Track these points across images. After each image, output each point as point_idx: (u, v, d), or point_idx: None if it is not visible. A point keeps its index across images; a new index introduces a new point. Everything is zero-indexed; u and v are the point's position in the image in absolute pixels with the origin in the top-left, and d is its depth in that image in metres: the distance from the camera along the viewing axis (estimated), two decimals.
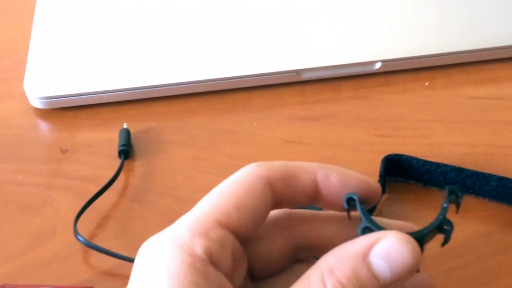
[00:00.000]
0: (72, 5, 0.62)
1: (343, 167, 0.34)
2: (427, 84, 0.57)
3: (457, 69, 0.58)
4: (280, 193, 0.33)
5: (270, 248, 0.34)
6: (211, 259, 0.29)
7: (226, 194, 0.31)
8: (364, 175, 0.34)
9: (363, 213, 0.31)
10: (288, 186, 0.33)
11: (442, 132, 0.53)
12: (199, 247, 0.29)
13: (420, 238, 0.30)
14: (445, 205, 0.31)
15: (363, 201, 0.33)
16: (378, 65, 0.57)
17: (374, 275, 0.28)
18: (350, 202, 0.32)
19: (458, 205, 0.33)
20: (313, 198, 0.34)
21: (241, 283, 0.32)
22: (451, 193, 0.32)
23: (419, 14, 0.59)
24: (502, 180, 0.47)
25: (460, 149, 0.52)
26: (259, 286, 0.34)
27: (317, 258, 0.30)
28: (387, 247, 0.28)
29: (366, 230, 0.31)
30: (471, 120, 0.54)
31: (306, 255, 0.35)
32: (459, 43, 0.57)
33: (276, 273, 0.35)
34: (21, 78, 0.56)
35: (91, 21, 0.60)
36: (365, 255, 0.28)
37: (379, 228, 0.31)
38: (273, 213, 0.35)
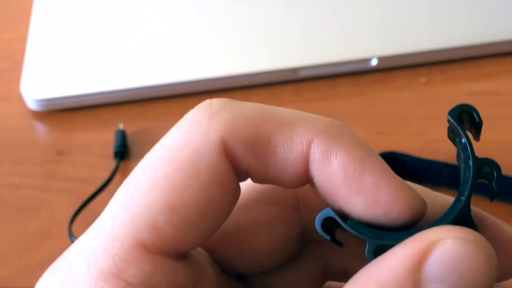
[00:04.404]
0: (69, 7, 0.62)
1: (355, 138, 0.21)
2: (423, 80, 0.57)
3: (454, 65, 0.57)
4: (245, 168, 0.20)
5: (265, 241, 0.23)
6: None
7: (150, 185, 0.19)
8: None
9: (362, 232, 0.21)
10: (258, 157, 0.20)
11: (437, 129, 0.53)
12: None
13: (467, 215, 0.20)
14: (463, 140, 0.20)
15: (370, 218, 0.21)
16: (374, 62, 0.56)
17: None
18: (328, 224, 0.21)
19: (477, 130, 0.21)
20: (300, 181, 0.21)
21: None
22: (461, 113, 0.21)
23: (414, 10, 0.59)
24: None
25: None
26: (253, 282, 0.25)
27: None
28: (449, 259, 0.17)
29: (378, 251, 0.20)
30: None
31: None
32: (455, 39, 0.57)
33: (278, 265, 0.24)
34: (18, 80, 0.57)
35: (87, 23, 0.61)
36: (415, 280, 0.17)
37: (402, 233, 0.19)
38: None
